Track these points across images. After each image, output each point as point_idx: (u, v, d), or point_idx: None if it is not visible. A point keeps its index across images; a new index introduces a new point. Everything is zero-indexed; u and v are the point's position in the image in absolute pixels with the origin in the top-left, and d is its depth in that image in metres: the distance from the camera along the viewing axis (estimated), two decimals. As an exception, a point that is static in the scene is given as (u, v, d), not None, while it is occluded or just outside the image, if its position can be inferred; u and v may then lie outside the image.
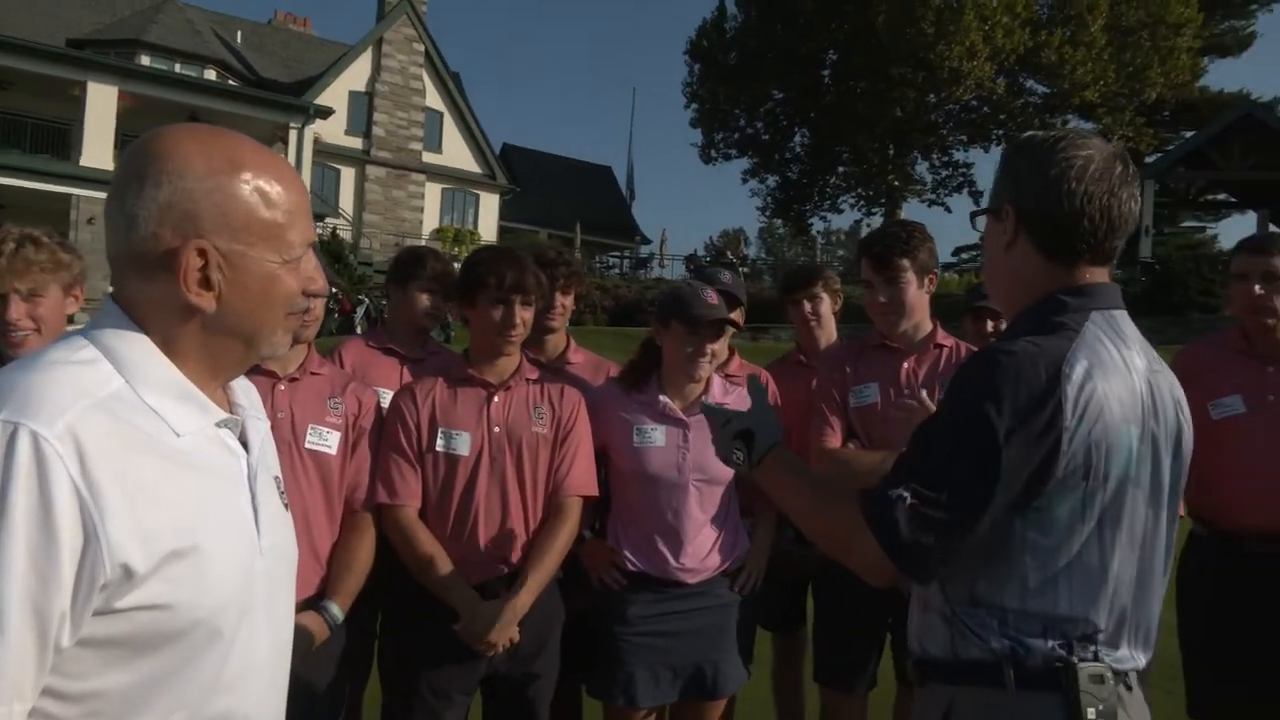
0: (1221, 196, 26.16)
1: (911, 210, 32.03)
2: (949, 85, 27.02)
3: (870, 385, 2.55)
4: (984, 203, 1.47)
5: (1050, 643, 1.25)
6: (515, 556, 2.29)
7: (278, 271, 1.01)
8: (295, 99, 25.65)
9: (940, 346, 2.55)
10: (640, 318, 23.50)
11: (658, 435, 2.41)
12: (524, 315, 2.32)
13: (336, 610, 2.14)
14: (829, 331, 3.15)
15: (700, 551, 2.41)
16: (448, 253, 17.20)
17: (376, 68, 30.16)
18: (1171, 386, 1.36)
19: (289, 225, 1.01)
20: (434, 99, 31.76)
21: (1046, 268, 1.34)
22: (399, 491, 2.26)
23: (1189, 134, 25.82)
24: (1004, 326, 3.06)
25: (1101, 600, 1.26)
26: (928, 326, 2.57)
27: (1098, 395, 1.23)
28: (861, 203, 32.59)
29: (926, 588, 1.35)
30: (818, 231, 38.54)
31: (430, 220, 31.08)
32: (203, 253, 0.95)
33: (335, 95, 28.24)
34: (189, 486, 0.95)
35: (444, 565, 2.22)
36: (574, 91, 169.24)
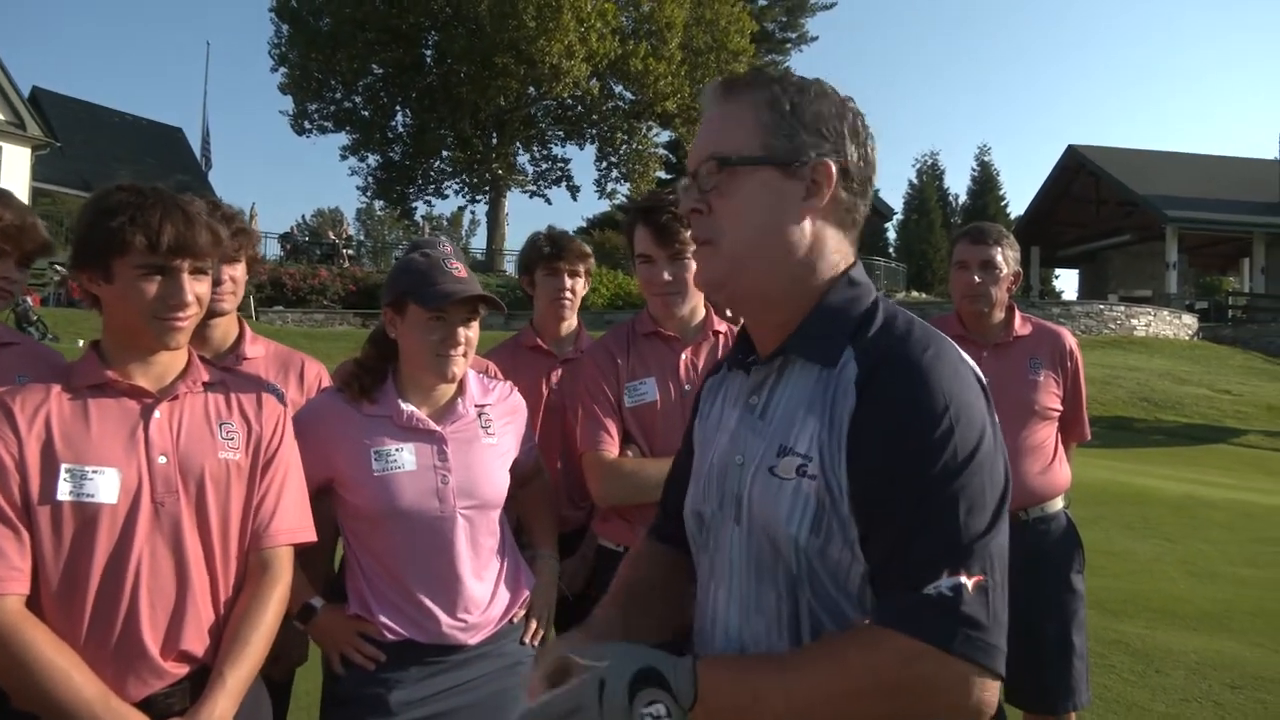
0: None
1: (514, 200, 32.79)
2: (549, 81, 27.97)
3: (647, 380, 2.18)
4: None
5: None
6: (202, 648, 1.55)
7: None
8: None
9: (716, 333, 2.27)
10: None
11: (405, 456, 1.81)
12: (197, 289, 1.58)
13: None
14: (573, 317, 2.74)
15: (480, 599, 1.86)
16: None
17: None
18: None
19: None
20: (-74, 19, 25.02)
21: (841, 241, 1.12)
22: None
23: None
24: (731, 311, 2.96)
25: None
26: (702, 311, 2.28)
27: None
28: (466, 189, 32.34)
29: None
30: (421, 216, 37.44)
31: (-75, 173, 24.48)
32: None
33: None
34: None
35: (79, 679, 1.41)
36: (128, 37, 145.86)
